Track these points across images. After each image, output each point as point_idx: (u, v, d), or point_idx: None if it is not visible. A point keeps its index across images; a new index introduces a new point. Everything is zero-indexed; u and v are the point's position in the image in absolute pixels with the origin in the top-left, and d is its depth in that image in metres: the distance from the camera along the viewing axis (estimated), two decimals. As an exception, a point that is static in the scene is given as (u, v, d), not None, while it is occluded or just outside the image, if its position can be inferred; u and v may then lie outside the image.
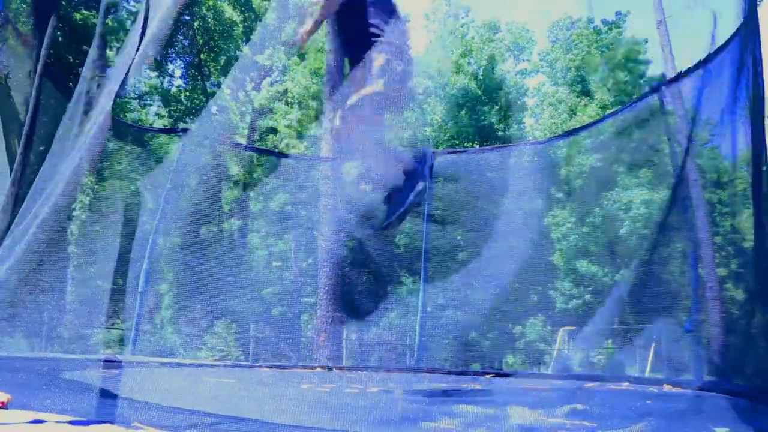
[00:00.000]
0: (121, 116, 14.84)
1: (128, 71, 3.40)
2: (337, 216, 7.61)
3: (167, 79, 20.15)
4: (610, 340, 16.83)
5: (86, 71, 4.36)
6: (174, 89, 20.23)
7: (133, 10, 15.87)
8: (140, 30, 3.53)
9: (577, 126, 16.15)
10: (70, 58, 13.42)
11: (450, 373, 4.75)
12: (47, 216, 3.22)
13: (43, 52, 4.68)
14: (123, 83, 3.48)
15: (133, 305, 5.04)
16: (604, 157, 15.98)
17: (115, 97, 3.46)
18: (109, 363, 3.93)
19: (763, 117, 2.74)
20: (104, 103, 3.46)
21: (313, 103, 18.07)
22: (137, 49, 3.44)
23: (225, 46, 19.49)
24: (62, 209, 3.32)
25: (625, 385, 3.81)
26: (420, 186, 2.86)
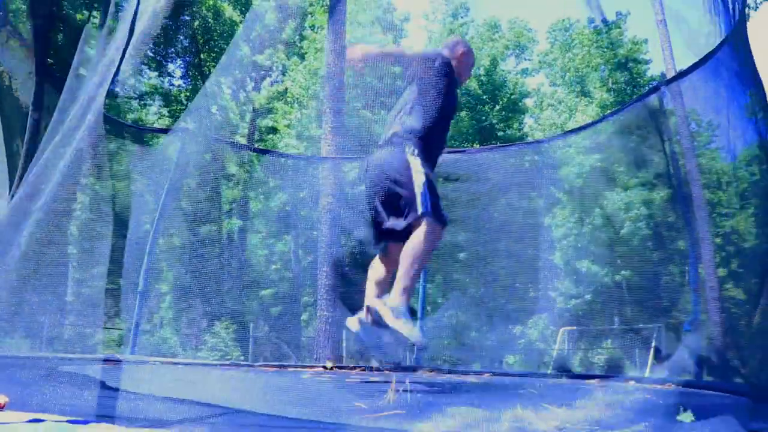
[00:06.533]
0: (121, 116, 14.82)
1: (119, 65, 3.39)
2: (337, 216, 7.60)
3: (167, 79, 20.16)
4: (609, 340, 16.84)
5: (88, 72, 4.35)
6: (174, 89, 20.24)
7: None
8: (129, 26, 3.52)
9: (576, 126, 16.15)
10: (71, 58, 13.38)
11: (450, 372, 4.75)
12: (45, 216, 3.22)
13: (39, 54, 4.68)
14: (113, 79, 3.47)
15: (132, 305, 5.04)
16: (604, 157, 15.99)
17: (108, 92, 3.45)
18: (109, 363, 3.93)
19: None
20: (94, 98, 3.44)
21: (313, 103, 18.05)
22: (126, 45, 3.43)
23: (225, 46, 19.50)
24: (60, 209, 3.32)
25: (625, 384, 3.81)
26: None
